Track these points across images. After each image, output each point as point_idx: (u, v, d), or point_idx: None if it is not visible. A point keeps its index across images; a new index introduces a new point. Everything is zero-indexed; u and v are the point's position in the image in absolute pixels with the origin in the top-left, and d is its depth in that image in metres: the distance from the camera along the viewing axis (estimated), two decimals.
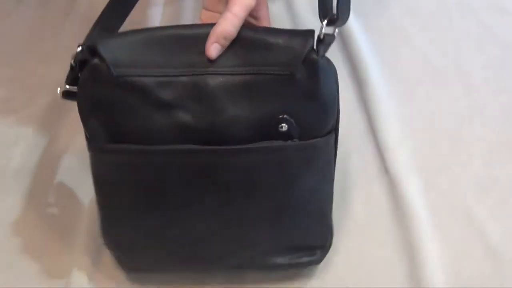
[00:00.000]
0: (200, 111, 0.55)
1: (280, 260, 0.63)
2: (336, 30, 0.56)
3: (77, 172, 0.74)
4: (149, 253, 0.63)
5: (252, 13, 0.60)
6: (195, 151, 0.55)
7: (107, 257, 0.67)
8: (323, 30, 0.55)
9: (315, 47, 0.55)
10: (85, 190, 0.71)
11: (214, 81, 0.55)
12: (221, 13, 0.57)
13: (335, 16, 0.56)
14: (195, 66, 0.55)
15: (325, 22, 0.55)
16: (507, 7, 0.84)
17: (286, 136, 0.56)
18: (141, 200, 0.59)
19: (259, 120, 0.56)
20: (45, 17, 0.89)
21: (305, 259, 0.64)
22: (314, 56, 0.54)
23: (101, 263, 0.68)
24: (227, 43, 0.55)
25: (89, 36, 0.58)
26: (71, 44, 0.86)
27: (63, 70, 0.83)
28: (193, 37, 0.55)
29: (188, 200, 0.58)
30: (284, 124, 0.56)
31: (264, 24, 0.63)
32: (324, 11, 0.56)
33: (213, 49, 0.55)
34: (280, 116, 0.56)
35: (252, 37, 0.56)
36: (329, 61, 0.56)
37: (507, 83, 0.77)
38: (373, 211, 0.69)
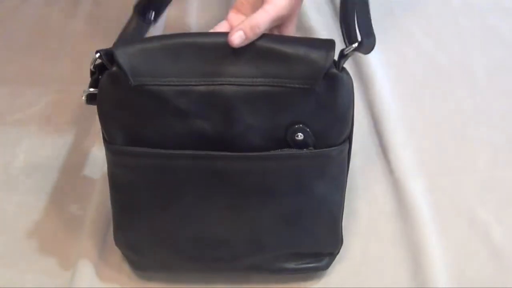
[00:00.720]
0: (217, 120, 0.56)
1: (288, 265, 0.63)
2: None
3: (82, 168, 0.75)
4: (160, 253, 0.63)
5: (280, 27, 0.61)
6: (211, 156, 0.56)
7: (114, 252, 0.67)
8: (350, 50, 0.55)
9: (336, 58, 0.55)
10: (89, 187, 0.72)
11: (231, 91, 0.54)
12: (247, 15, 0.58)
13: (360, 42, 0.55)
14: (213, 76, 0.54)
15: (355, 45, 0.54)
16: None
17: (302, 144, 0.56)
18: (155, 201, 0.59)
19: (275, 129, 0.56)
20: (50, 15, 0.90)
21: (313, 265, 0.64)
22: (335, 70, 0.54)
23: (108, 258, 0.68)
24: (252, 35, 0.54)
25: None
26: (76, 42, 0.87)
27: (68, 68, 0.84)
28: (210, 46, 0.55)
29: (201, 203, 0.58)
30: (300, 133, 0.56)
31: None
32: (350, 34, 0.56)
33: (236, 37, 0.54)
34: (297, 126, 0.56)
35: (272, 48, 0.55)
36: (347, 72, 0.56)
37: None
38: (377, 211, 0.69)
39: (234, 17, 0.63)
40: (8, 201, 0.72)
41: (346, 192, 0.68)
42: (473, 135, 0.73)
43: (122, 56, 0.54)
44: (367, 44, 0.56)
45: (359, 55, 0.79)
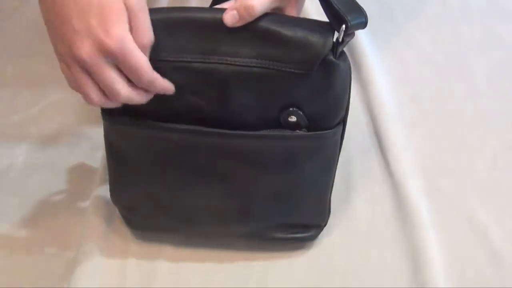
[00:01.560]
0: (212, 98, 0.56)
1: (275, 234, 0.65)
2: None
3: (81, 169, 0.75)
4: (153, 215, 0.65)
5: (283, 8, 0.59)
6: (204, 132, 0.57)
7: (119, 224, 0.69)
8: (342, 35, 0.53)
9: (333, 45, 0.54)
10: (89, 186, 0.72)
11: (227, 70, 0.55)
12: None
13: (346, 21, 0.53)
14: (210, 53, 0.55)
15: (342, 27, 0.53)
16: (511, 11, 0.85)
17: (294, 126, 0.57)
18: (149, 169, 0.61)
19: (269, 110, 0.57)
20: None
21: (300, 235, 0.66)
22: (332, 58, 0.54)
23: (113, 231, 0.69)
24: (246, 16, 0.53)
25: None
26: None
27: None
28: (209, 23, 0.55)
29: (194, 175, 0.60)
30: (293, 116, 0.57)
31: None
32: (335, 17, 0.54)
33: (229, 16, 0.53)
34: (291, 109, 0.56)
35: (270, 29, 0.54)
36: (344, 58, 0.56)
37: (511, 87, 0.78)
38: (376, 213, 0.69)
39: None
40: (8, 202, 0.72)
41: (345, 193, 0.70)
42: (472, 137, 0.74)
43: None
44: (355, 20, 0.53)
45: (360, 56, 0.80)
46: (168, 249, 0.68)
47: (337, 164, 0.63)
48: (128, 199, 0.66)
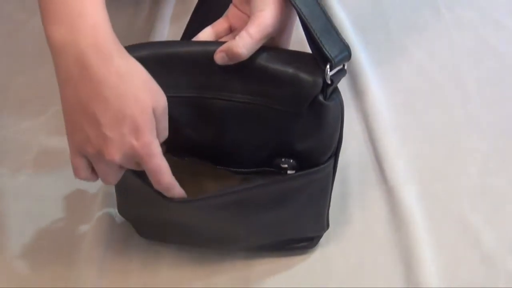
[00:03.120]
0: (207, 132, 0.57)
1: (276, 246, 0.66)
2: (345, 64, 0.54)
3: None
4: (156, 232, 0.66)
5: (273, 39, 0.57)
6: (196, 200, 0.57)
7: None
8: (328, 76, 0.52)
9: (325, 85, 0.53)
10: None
11: (221, 105, 0.55)
12: (247, 14, 0.56)
13: (331, 59, 0.51)
14: (205, 89, 0.55)
15: (327, 68, 0.52)
16: (503, 21, 0.86)
17: (286, 169, 0.58)
18: (144, 203, 0.61)
19: (261, 148, 0.57)
20: None
21: (299, 245, 0.66)
22: (321, 99, 0.53)
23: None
24: (235, 60, 0.53)
25: None
26: None
27: None
28: (204, 56, 0.54)
29: (189, 218, 0.60)
30: (284, 164, 0.57)
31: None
32: (320, 55, 0.52)
33: (218, 58, 0.54)
34: (283, 159, 0.57)
35: (262, 65, 0.54)
36: (335, 96, 0.55)
37: (503, 95, 0.79)
38: (371, 218, 0.70)
39: (234, 11, 0.61)
40: (17, 208, 0.73)
41: (341, 200, 0.70)
42: (465, 144, 0.75)
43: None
44: (339, 57, 0.52)
45: (354, 66, 0.81)
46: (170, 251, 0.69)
47: (332, 187, 0.62)
48: (132, 214, 0.67)
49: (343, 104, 0.56)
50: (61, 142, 0.77)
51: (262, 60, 0.54)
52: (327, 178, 0.60)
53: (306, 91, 0.53)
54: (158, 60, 0.55)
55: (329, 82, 0.52)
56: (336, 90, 0.55)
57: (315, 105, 0.53)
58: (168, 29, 0.89)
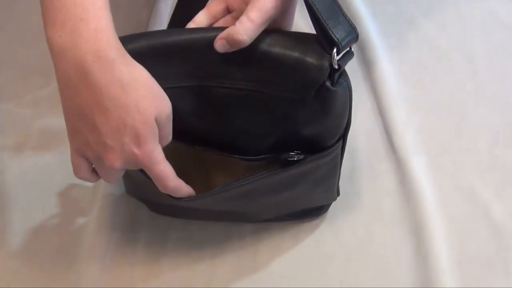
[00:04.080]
0: (212, 120, 0.55)
1: (288, 217, 0.66)
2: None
3: None
4: (164, 210, 0.66)
5: (275, 21, 0.54)
6: (204, 196, 0.56)
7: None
8: (335, 61, 0.50)
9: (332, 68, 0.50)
10: None
11: (224, 93, 0.53)
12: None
13: (338, 43, 0.49)
14: (206, 77, 0.53)
15: (334, 52, 0.49)
16: None
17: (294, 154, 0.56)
18: (151, 189, 0.59)
19: (268, 135, 0.56)
20: None
21: (310, 214, 0.67)
22: (328, 85, 0.51)
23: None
24: (237, 47, 0.51)
25: None
26: None
27: None
28: (203, 44, 0.52)
29: (196, 211, 0.61)
30: (294, 156, 0.55)
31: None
32: (326, 39, 0.50)
33: (219, 46, 0.51)
34: (291, 153, 0.55)
35: (266, 51, 0.51)
36: (344, 80, 0.52)
37: (511, 67, 0.79)
38: (380, 189, 0.70)
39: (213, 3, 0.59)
40: (21, 180, 0.73)
41: (350, 172, 0.70)
42: (474, 116, 0.74)
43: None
44: (346, 40, 0.50)
45: (363, 36, 0.80)
46: (178, 223, 0.69)
47: (341, 163, 0.61)
48: (140, 196, 0.67)
49: (351, 88, 0.54)
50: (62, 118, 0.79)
51: (265, 45, 0.51)
52: (335, 159, 0.59)
53: (312, 77, 0.50)
54: (156, 51, 0.52)
55: (336, 67, 0.50)
56: (343, 73, 0.52)
57: (322, 91, 0.51)
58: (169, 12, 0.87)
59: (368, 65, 0.79)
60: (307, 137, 0.55)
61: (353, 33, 0.50)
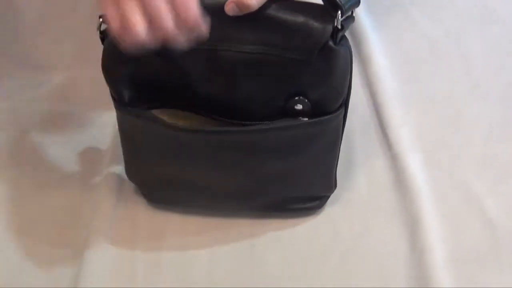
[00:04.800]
0: (219, 84, 0.57)
1: (285, 205, 0.67)
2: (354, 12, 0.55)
3: (92, 143, 0.76)
4: (166, 192, 0.67)
5: None
6: (208, 132, 0.58)
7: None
8: (339, 22, 0.53)
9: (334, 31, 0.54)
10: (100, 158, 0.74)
11: (233, 57, 0.56)
12: None
13: (341, 6, 0.53)
14: (216, 40, 0.55)
15: (338, 14, 0.53)
16: None
17: (300, 113, 0.58)
18: (158, 156, 0.62)
19: (274, 98, 0.58)
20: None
21: (307, 205, 0.67)
22: (331, 44, 0.54)
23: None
24: (245, 11, 0.54)
25: None
26: (84, 25, 0.87)
27: (76, 49, 0.85)
28: (215, 8, 0.55)
29: (202, 164, 0.61)
30: (299, 104, 0.57)
31: None
32: (330, 3, 0.54)
33: (229, 9, 0.54)
34: (297, 98, 0.57)
35: (273, 15, 0.55)
36: (345, 42, 0.56)
37: (507, 62, 0.79)
38: (376, 185, 0.70)
39: None
40: (23, 177, 0.74)
41: (346, 167, 0.70)
42: (469, 111, 0.75)
43: None
44: (349, 4, 0.54)
45: (359, 32, 0.80)
46: (176, 218, 0.69)
47: (341, 142, 0.64)
48: (141, 177, 0.68)
49: (351, 51, 0.57)
50: (64, 107, 0.79)
51: (273, 10, 0.55)
52: (337, 128, 0.61)
53: (317, 38, 0.54)
54: None
55: (339, 27, 0.53)
56: (344, 37, 0.56)
57: (326, 50, 0.54)
58: None
59: (363, 60, 0.79)
60: (313, 100, 0.57)
61: None
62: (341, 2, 0.53)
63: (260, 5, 0.54)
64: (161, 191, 0.68)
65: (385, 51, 0.79)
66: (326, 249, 0.66)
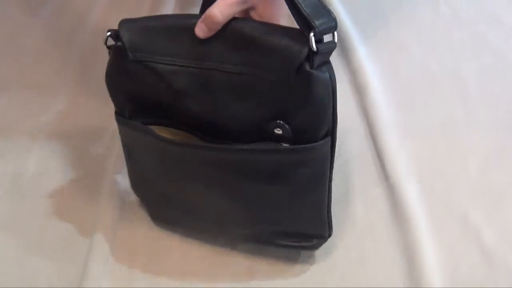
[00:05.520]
0: (205, 102, 0.58)
1: (278, 241, 0.66)
2: (335, 36, 0.54)
3: (91, 174, 0.77)
4: (164, 210, 0.69)
5: (257, 11, 0.60)
6: (193, 146, 0.60)
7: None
8: (313, 44, 0.52)
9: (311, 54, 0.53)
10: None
11: (217, 76, 0.57)
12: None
13: (315, 27, 0.52)
14: (202, 59, 0.57)
15: (311, 35, 0.52)
16: (501, 17, 0.87)
17: (280, 138, 0.57)
18: (155, 171, 0.64)
19: (256, 120, 0.58)
20: (58, 29, 0.91)
21: (301, 244, 0.66)
22: (307, 67, 0.53)
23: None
24: (214, 26, 0.55)
25: None
26: (83, 54, 0.88)
27: (77, 77, 0.86)
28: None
29: (193, 180, 0.62)
30: (278, 128, 0.57)
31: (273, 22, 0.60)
32: (305, 23, 0.53)
33: (199, 30, 0.56)
34: (277, 121, 0.57)
35: (251, 36, 0.55)
36: (326, 69, 0.55)
37: (502, 91, 0.80)
38: (373, 214, 0.70)
39: None
40: (20, 206, 0.74)
41: (343, 195, 0.71)
42: (465, 140, 0.75)
43: (124, 32, 0.58)
44: (324, 26, 0.53)
45: (355, 62, 0.81)
46: (176, 240, 0.70)
47: (330, 179, 0.61)
48: (143, 192, 0.69)
49: (334, 79, 0.55)
50: (62, 142, 0.80)
51: (248, 30, 0.56)
52: (323, 160, 0.59)
53: (292, 59, 0.53)
54: (165, 30, 0.58)
55: (314, 49, 0.52)
56: (327, 64, 0.55)
57: (302, 74, 0.54)
58: None
59: (359, 90, 0.79)
60: (294, 127, 0.57)
61: (332, 22, 0.54)
62: (314, 23, 0.52)
63: (225, 17, 0.55)
64: (162, 209, 0.69)
65: (381, 80, 0.80)
66: (322, 278, 0.66)
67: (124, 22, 0.59)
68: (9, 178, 0.77)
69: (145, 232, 0.71)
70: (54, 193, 0.75)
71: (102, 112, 0.80)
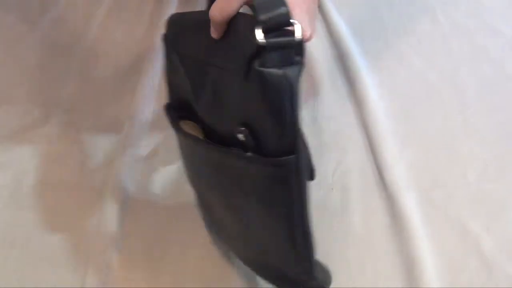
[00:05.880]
0: (202, 102, 0.59)
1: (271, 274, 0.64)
2: (298, 30, 0.48)
3: (91, 187, 0.77)
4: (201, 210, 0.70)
5: None
6: (202, 141, 0.60)
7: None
8: (257, 38, 0.47)
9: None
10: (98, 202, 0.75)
11: (214, 72, 0.55)
12: None
13: (260, 21, 0.47)
14: (209, 56, 0.56)
15: (255, 30, 0.47)
16: (499, 27, 0.87)
17: (245, 145, 0.52)
18: (187, 169, 0.66)
19: (230, 123, 0.54)
20: (58, 40, 0.91)
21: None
22: (255, 64, 0.48)
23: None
24: (217, 27, 0.53)
25: None
26: (84, 64, 0.89)
27: (76, 88, 0.86)
28: (200, 23, 0.56)
29: (205, 181, 0.63)
30: (241, 134, 0.52)
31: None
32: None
33: (211, 31, 0.54)
34: (241, 128, 0.52)
35: (236, 29, 0.52)
36: (283, 71, 0.48)
37: (501, 101, 0.80)
38: (372, 225, 0.70)
39: None
40: (20, 219, 0.74)
41: (342, 207, 0.71)
42: (463, 150, 0.75)
43: (170, 24, 0.61)
44: (273, 21, 0.47)
45: (354, 73, 0.82)
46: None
47: (303, 215, 0.53)
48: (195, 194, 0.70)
49: (295, 81, 0.48)
50: (66, 147, 0.80)
51: (236, 25, 0.52)
52: (288, 182, 0.51)
53: (244, 55, 0.49)
54: (194, 25, 0.59)
55: (261, 43, 0.47)
56: (296, 65, 0.48)
57: (253, 72, 0.48)
58: None
59: (358, 101, 0.80)
60: (254, 133, 0.51)
61: (284, 6, 0.48)
62: (260, 18, 0.47)
63: (224, 17, 0.52)
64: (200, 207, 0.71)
65: (379, 90, 0.80)
66: None
67: (174, 14, 0.62)
68: (8, 189, 0.77)
69: (146, 241, 0.71)
70: (53, 204, 0.75)
71: (103, 122, 0.81)
